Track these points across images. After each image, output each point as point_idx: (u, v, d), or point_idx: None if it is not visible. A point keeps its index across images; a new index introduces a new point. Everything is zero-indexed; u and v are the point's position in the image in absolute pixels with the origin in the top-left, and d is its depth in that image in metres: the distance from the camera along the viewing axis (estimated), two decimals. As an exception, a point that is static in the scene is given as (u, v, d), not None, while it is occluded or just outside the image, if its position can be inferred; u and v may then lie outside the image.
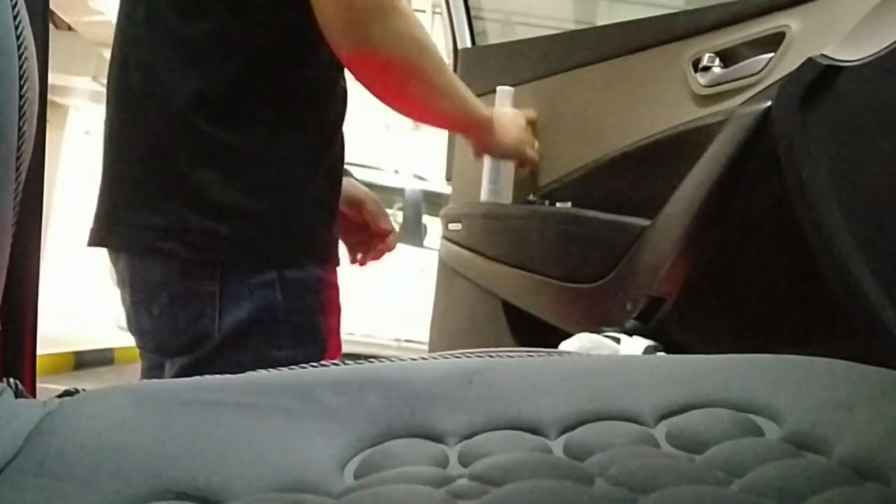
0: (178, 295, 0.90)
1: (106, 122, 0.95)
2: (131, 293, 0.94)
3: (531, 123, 1.30)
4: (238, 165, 0.90)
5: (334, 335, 0.98)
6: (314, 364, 0.58)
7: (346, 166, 1.08)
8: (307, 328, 0.94)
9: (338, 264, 1.01)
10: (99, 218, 0.95)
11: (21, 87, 0.50)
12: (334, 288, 0.99)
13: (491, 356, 0.58)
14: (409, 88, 0.96)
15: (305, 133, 0.95)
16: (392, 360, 0.57)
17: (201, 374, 0.87)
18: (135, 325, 0.96)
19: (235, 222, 0.90)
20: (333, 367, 0.56)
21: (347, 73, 0.98)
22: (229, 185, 0.89)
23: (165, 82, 0.89)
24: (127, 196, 0.92)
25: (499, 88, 1.44)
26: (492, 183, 1.32)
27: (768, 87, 0.99)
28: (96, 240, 0.95)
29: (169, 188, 0.90)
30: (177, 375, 0.92)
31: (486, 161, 1.32)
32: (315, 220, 0.96)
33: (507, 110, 1.26)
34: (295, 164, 0.93)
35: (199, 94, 0.88)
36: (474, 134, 1.16)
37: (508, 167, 1.32)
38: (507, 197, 1.34)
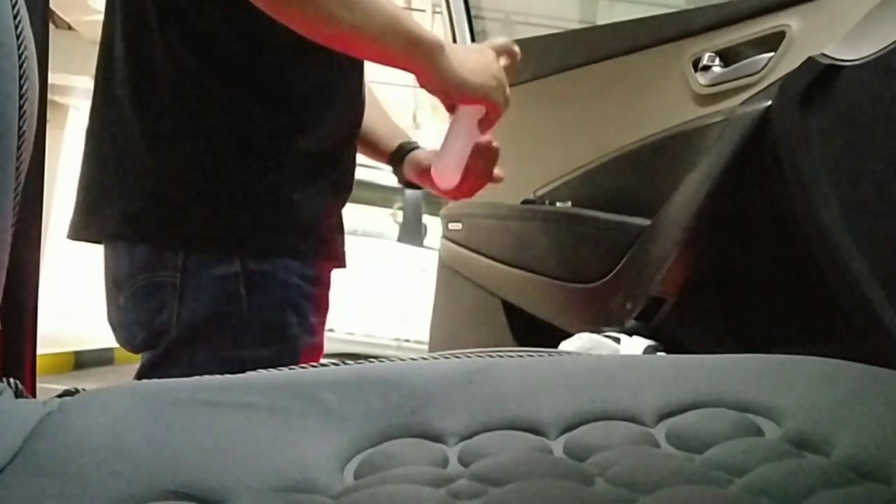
0: (141, 286, 0.86)
1: (89, 114, 0.95)
2: (104, 284, 0.91)
3: (507, 57, 0.96)
4: (200, 151, 0.86)
5: (312, 335, 0.91)
6: (314, 364, 0.58)
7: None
8: (274, 326, 0.87)
9: (326, 258, 0.93)
10: (76, 209, 0.93)
11: (21, 87, 0.50)
12: (316, 284, 0.91)
13: (491, 356, 0.58)
14: None
15: (270, 116, 0.87)
16: (392, 360, 0.57)
17: (161, 371, 0.84)
18: (108, 318, 0.93)
19: (198, 208, 0.85)
20: (333, 367, 0.56)
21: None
22: (193, 170, 0.85)
23: (131, 70, 0.88)
24: (102, 186, 0.90)
25: None
26: (441, 150, 0.93)
27: (768, 86, 0.99)
28: (73, 232, 0.93)
29: (138, 175, 0.86)
30: (140, 373, 0.87)
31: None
32: (286, 209, 0.88)
33: (472, 45, 1.02)
34: (257, 150, 0.86)
35: (161, 80, 0.86)
36: (416, 65, 0.85)
37: (464, 124, 0.92)
38: (452, 179, 0.94)
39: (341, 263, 0.98)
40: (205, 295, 0.84)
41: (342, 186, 0.96)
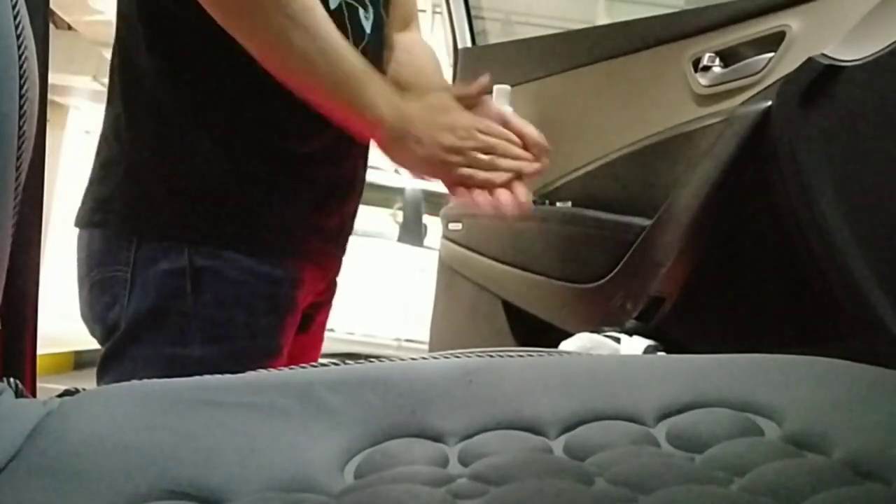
0: (97, 281, 0.85)
1: None
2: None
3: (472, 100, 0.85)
4: (158, 144, 0.84)
5: (267, 337, 0.86)
6: (314, 364, 0.58)
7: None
8: (218, 324, 0.83)
9: (292, 257, 0.87)
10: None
11: (21, 87, 0.50)
12: (279, 284, 0.86)
13: (491, 356, 0.58)
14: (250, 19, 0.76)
15: (230, 111, 0.83)
16: (392, 360, 0.57)
17: (111, 368, 0.83)
18: (80, 312, 0.91)
19: (150, 199, 0.83)
20: (333, 367, 0.56)
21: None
22: (149, 162, 0.83)
23: (115, 64, 0.88)
24: (89, 176, 0.89)
25: (495, 87, 1.44)
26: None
27: (768, 86, 0.99)
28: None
29: (111, 162, 0.86)
30: (97, 371, 0.85)
31: None
32: (240, 204, 0.84)
33: (434, 98, 0.85)
34: (216, 143, 0.83)
35: (121, 61, 0.86)
36: (363, 127, 0.82)
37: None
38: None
39: (320, 264, 0.92)
40: (151, 290, 0.82)
41: (322, 187, 0.90)
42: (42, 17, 0.79)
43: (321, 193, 0.90)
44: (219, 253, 0.83)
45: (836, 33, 0.91)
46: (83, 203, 0.88)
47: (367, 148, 0.96)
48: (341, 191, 0.93)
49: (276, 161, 0.86)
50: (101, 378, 0.84)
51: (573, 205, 1.32)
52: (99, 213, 0.85)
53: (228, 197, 0.84)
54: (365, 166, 0.98)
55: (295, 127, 0.86)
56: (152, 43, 0.84)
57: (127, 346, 0.83)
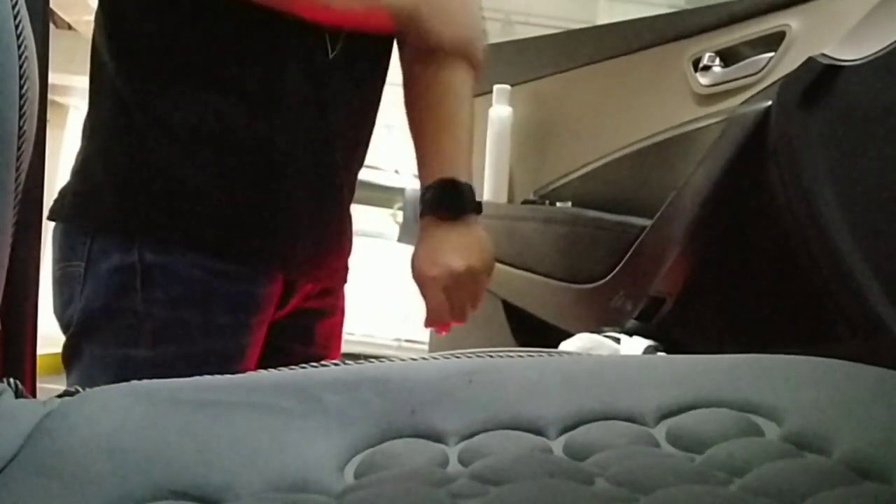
0: (57, 277, 0.83)
1: None
2: None
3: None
4: (105, 126, 0.83)
5: (223, 337, 0.82)
6: (314, 364, 0.58)
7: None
8: (169, 324, 0.80)
9: (250, 254, 0.84)
10: None
11: (21, 87, 0.50)
12: (237, 281, 0.82)
13: (491, 356, 0.58)
14: None
15: (187, 101, 0.81)
16: (392, 360, 0.57)
17: (67, 367, 0.82)
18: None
19: (99, 190, 0.82)
20: (333, 366, 0.56)
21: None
22: (105, 154, 0.83)
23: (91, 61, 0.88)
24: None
25: (495, 87, 1.45)
26: None
27: (769, 86, 0.99)
28: None
29: (78, 155, 0.86)
30: (64, 367, 0.84)
31: None
32: (193, 197, 0.81)
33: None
34: (170, 135, 0.80)
35: (91, 53, 0.86)
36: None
37: None
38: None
39: (287, 264, 0.87)
40: (101, 287, 0.79)
41: (286, 182, 0.86)
42: (42, 17, 0.79)
43: (285, 189, 0.85)
44: (170, 248, 0.80)
45: (836, 33, 0.91)
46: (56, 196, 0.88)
47: (345, 146, 0.92)
48: (313, 188, 0.88)
49: (230, 153, 0.83)
50: (67, 375, 0.83)
51: (573, 205, 1.32)
52: (58, 203, 0.85)
53: (179, 189, 0.81)
54: (346, 165, 0.93)
55: (246, 118, 0.83)
56: (112, 32, 0.84)
57: (81, 345, 0.81)
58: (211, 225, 0.82)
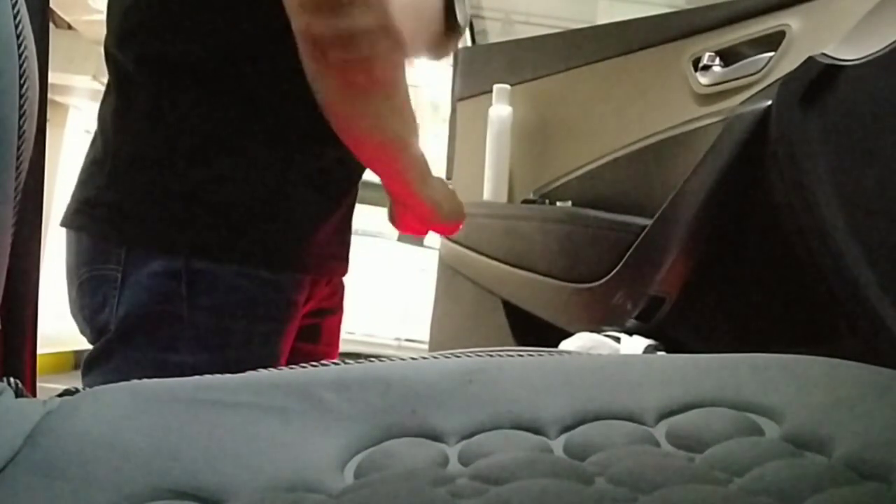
0: (86, 279, 0.81)
1: None
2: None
3: None
4: (148, 136, 0.80)
5: (264, 345, 0.84)
6: (314, 364, 0.58)
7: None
8: (215, 333, 0.80)
9: (307, 273, 0.86)
10: None
11: (21, 87, 0.50)
12: (278, 288, 0.84)
13: (491, 356, 0.58)
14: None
15: (233, 115, 0.80)
16: (392, 360, 0.57)
17: (97, 369, 0.80)
18: (70, 310, 0.88)
19: (142, 200, 0.80)
20: (333, 366, 0.56)
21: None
22: (141, 157, 0.80)
23: (110, 65, 0.85)
24: (79, 175, 0.87)
25: (495, 87, 1.44)
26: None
27: (768, 86, 0.99)
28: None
29: (99, 160, 0.83)
30: (82, 371, 0.83)
31: None
32: (249, 210, 0.81)
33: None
34: (212, 139, 0.80)
35: (127, 74, 0.82)
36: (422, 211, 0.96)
37: None
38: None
39: (320, 272, 0.90)
40: (143, 292, 0.78)
41: (328, 193, 0.89)
42: (42, 17, 0.79)
43: (326, 199, 0.89)
44: (217, 258, 0.80)
45: (836, 33, 0.91)
46: (70, 202, 0.85)
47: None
48: (347, 194, 0.93)
49: (281, 169, 0.83)
50: (86, 376, 0.82)
51: (573, 204, 1.32)
52: (82, 215, 0.83)
53: (225, 206, 0.81)
54: (348, 169, 0.95)
55: (303, 135, 0.84)
56: (143, 55, 0.81)
57: (116, 348, 0.80)
58: (260, 240, 0.82)
